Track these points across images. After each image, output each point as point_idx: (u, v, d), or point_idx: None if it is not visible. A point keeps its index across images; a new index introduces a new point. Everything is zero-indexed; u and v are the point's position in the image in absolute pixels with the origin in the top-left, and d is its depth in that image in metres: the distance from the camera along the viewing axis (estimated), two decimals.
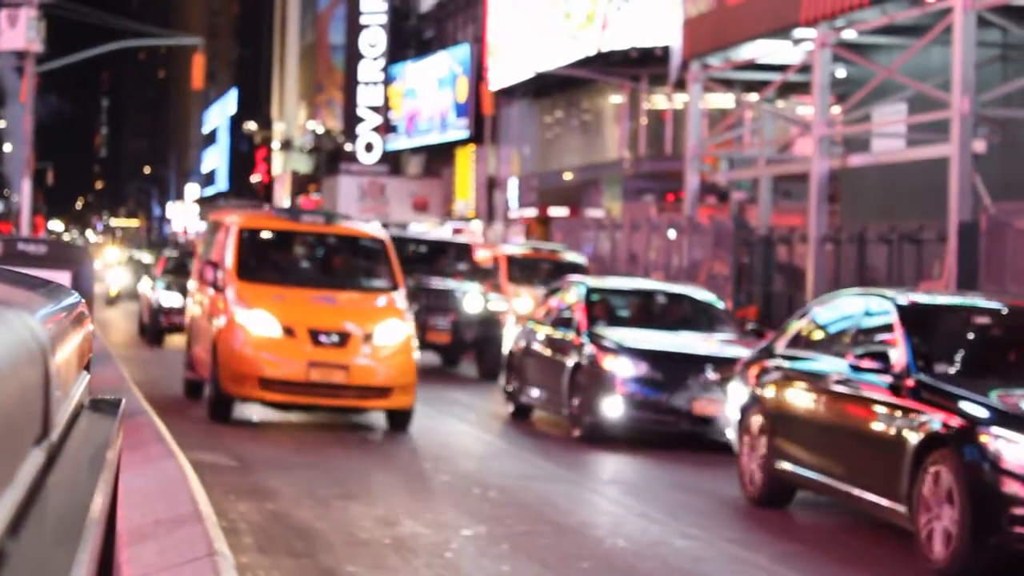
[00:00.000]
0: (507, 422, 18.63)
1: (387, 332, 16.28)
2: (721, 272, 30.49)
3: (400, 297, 16.93)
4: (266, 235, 17.73)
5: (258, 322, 16.16)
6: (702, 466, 15.31)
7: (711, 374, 16.37)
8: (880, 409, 11.13)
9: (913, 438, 10.56)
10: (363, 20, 68.18)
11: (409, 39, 67.18)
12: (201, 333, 17.61)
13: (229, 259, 16.94)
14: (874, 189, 29.99)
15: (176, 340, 28.61)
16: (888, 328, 11.62)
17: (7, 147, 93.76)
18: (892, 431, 10.88)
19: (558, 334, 18.14)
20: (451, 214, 59.61)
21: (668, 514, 12.16)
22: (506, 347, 20.26)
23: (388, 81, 66.39)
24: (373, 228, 18.74)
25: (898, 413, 10.88)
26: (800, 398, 12.39)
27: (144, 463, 8.74)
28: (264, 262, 17.41)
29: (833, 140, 28.23)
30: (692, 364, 16.53)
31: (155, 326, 29.05)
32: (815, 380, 12.17)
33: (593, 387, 16.65)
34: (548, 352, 18.21)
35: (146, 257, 48.37)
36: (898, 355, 11.18)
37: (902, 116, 27.87)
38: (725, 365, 16.24)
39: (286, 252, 17.94)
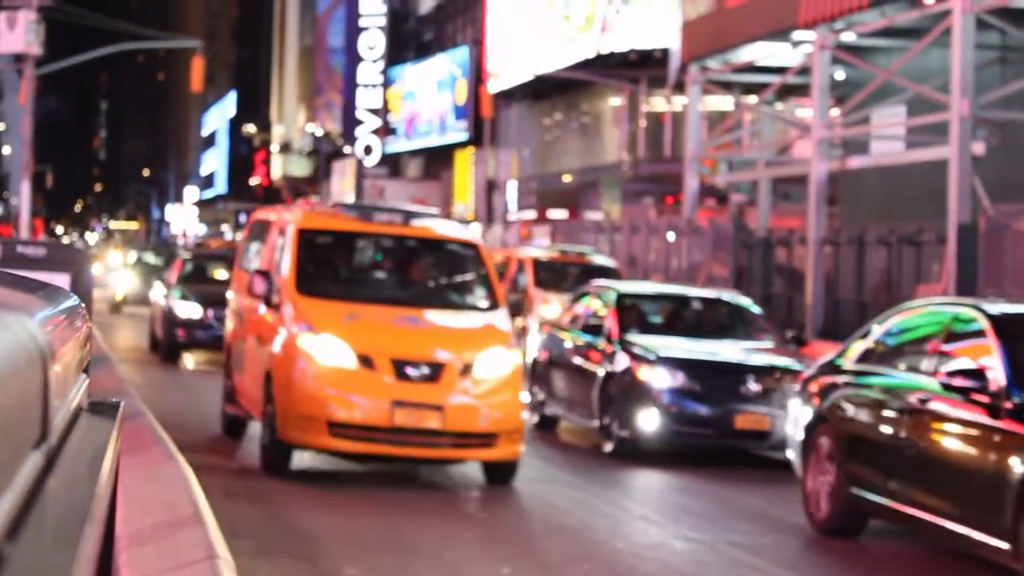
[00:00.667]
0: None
1: (491, 362, 13.07)
2: (720, 274, 30.48)
3: (503, 318, 13.77)
4: (332, 238, 14.40)
5: (326, 349, 12.91)
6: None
7: (753, 385, 15.51)
8: (975, 432, 10.04)
9: (1018, 466, 9.44)
10: (362, 22, 68.19)
11: (408, 41, 67.21)
12: (248, 360, 14.46)
13: (286, 268, 13.73)
14: (873, 191, 29.99)
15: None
16: (977, 341, 10.58)
17: (6, 149, 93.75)
18: (991, 457, 9.77)
19: (587, 342, 17.10)
20: (450, 216, 59.64)
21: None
22: (529, 355, 18.98)
23: (387, 83, 66.40)
24: (463, 230, 15.48)
25: (997, 437, 9.78)
26: (878, 419, 11.23)
27: (143, 466, 8.73)
28: (330, 272, 14.26)
29: (832, 142, 28.23)
30: (733, 374, 15.65)
31: (170, 341, 25.08)
32: (895, 399, 11.07)
33: (627, 399, 15.68)
34: (577, 361, 17.23)
35: (153, 258, 45.28)
36: (995, 372, 10.09)
37: (901, 118, 27.87)
38: (767, 375, 15.56)
39: (357, 260, 14.62)
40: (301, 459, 13.47)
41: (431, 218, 14.83)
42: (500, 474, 13.30)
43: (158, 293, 27.21)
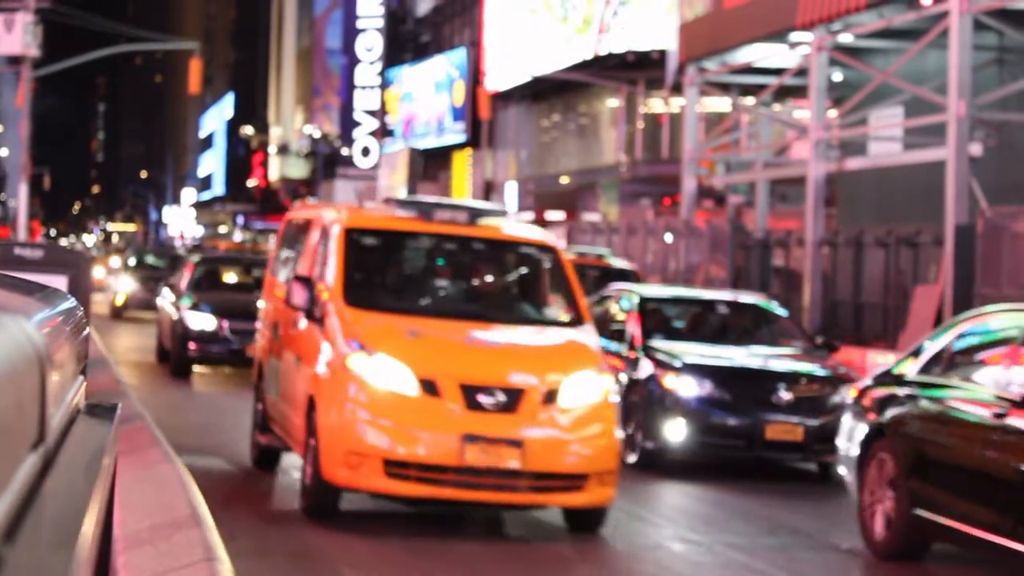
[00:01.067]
0: None
1: (579, 389, 10.98)
2: (718, 276, 30.48)
3: (590, 335, 11.73)
4: (385, 239, 12.38)
5: (383, 372, 10.83)
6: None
7: (784, 393, 14.94)
8: None
9: None
10: (360, 24, 68.21)
11: (406, 43, 67.22)
12: (285, 382, 12.45)
13: (331, 275, 11.71)
14: (871, 193, 30.00)
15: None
16: None
17: (3, 151, 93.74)
18: None
19: (608, 348, 15.79)
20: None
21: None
22: None
23: (385, 85, 66.41)
24: (538, 231, 13.15)
25: None
26: (947, 434, 10.25)
27: (141, 467, 8.73)
28: (384, 279, 12.38)
29: (830, 144, 28.24)
30: (763, 382, 15.03)
31: (181, 355, 22.57)
32: (967, 412, 10.06)
33: (652, 408, 15.09)
34: None
35: (155, 261, 43.02)
36: None
37: (899, 120, 27.88)
38: (798, 383, 15.06)
39: (415, 265, 12.66)
40: (349, 501, 11.43)
41: (500, 216, 12.60)
42: (586, 521, 11.27)
43: (166, 300, 24.70)
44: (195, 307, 22.67)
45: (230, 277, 25.66)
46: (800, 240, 28.26)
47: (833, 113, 29.68)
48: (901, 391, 11.00)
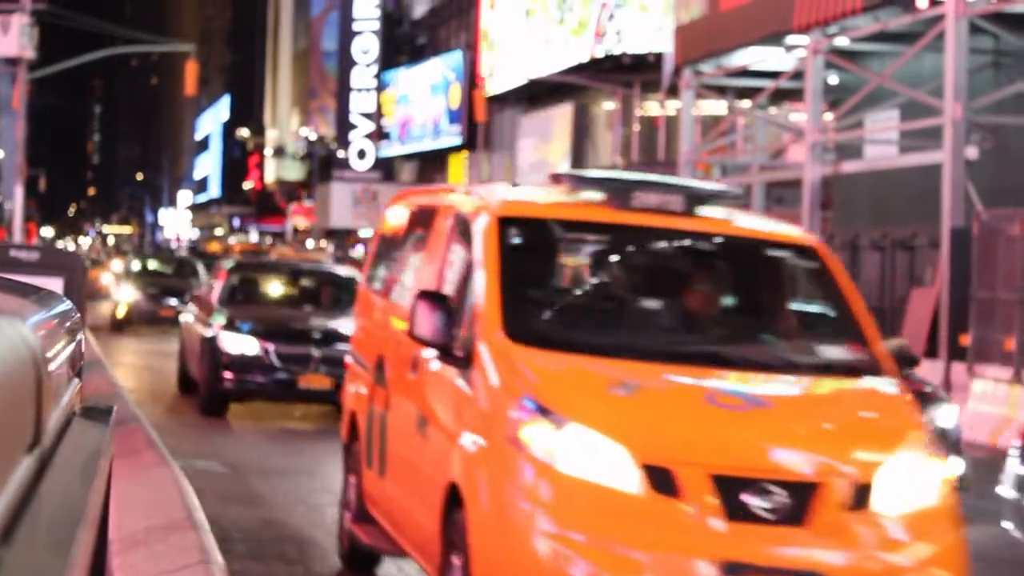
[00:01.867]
0: None
1: (904, 481, 6.86)
2: None
3: (898, 389, 7.51)
4: (562, 235, 8.40)
5: (581, 454, 6.75)
6: None
7: None
8: None
9: None
10: (356, 26, 68.22)
11: (402, 45, 67.24)
12: (404, 452, 8.35)
13: (482, 291, 7.58)
14: (867, 196, 30.02)
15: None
16: None
17: None
18: None
19: None
20: None
21: None
22: None
23: (381, 87, 66.42)
24: (791, 228, 8.71)
25: None
26: None
27: (136, 470, 8.73)
28: (566, 300, 8.19)
29: (826, 147, 28.26)
30: None
31: (214, 386, 17.93)
32: None
33: None
34: None
35: (160, 266, 38.02)
36: None
37: (894, 123, 27.90)
38: None
39: (612, 277, 8.36)
40: None
41: (730, 200, 8.39)
42: None
43: (191, 316, 20.25)
44: (231, 325, 18.19)
45: (273, 288, 20.90)
46: None
47: (829, 116, 29.70)
48: None
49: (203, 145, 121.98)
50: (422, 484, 7.78)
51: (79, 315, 3.20)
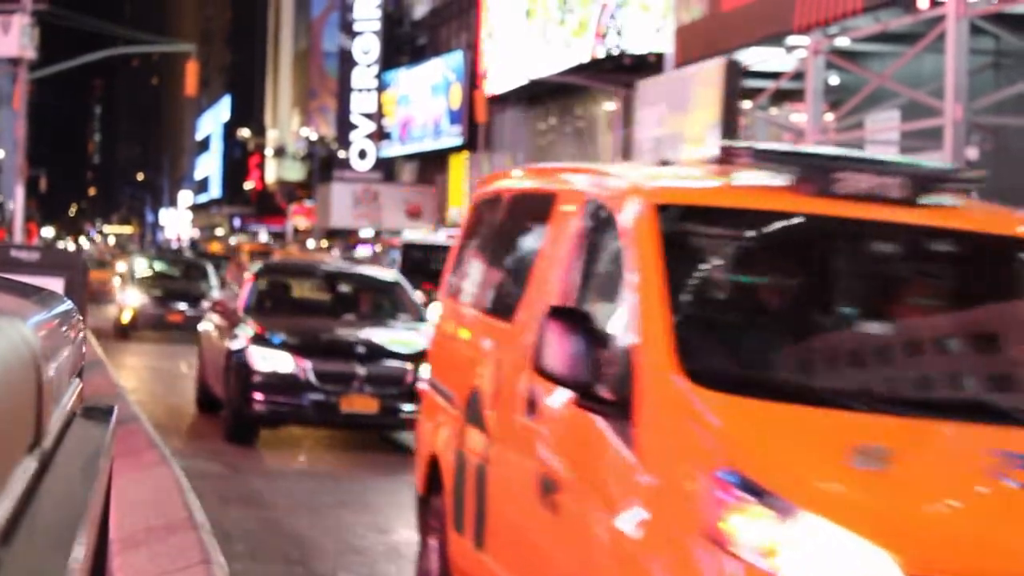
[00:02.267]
0: None
1: None
2: None
3: None
4: (747, 232, 6.04)
5: (827, 560, 4.51)
6: None
7: None
8: None
9: None
10: (356, 27, 68.25)
11: (403, 46, 67.27)
12: (518, 522, 6.22)
13: (639, 312, 5.41)
14: None
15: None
16: None
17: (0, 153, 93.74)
18: None
19: None
20: (445, 221, 59.66)
21: None
22: None
23: (381, 88, 66.44)
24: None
25: None
26: None
27: (137, 470, 8.72)
28: (754, 321, 5.86)
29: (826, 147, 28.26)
30: None
31: (241, 409, 15.51)
32: None
33: None
34: None
35: (167, 268, 36.00)
36: None
37: (895, 123, 27.90)
38: None
39: (822, 292, 6.07)
40: None
41: (967, 183, 6.40)
42: None
43: (212, 325, 18.05)
44: (260, 339, 15.71)
45: (307, 294, 19.27)
46: None
47: (830, 117, 29.70)
48: None
49: (204, 145, 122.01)
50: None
51: (80, 315, 3.20)
